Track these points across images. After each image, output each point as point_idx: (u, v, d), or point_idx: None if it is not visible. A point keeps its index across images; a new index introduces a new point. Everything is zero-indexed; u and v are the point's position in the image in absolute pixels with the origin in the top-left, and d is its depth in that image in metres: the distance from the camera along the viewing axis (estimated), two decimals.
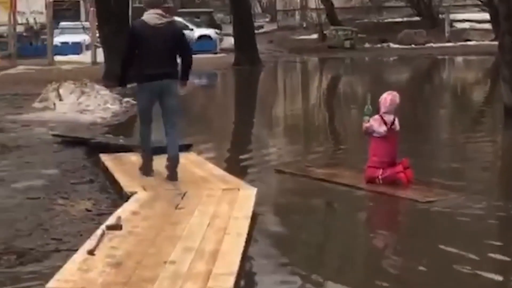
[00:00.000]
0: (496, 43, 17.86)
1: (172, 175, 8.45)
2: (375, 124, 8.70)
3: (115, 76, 9.45)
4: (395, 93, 8.82)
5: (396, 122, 8.77)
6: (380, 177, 8.55)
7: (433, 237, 6.82)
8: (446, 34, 41.47)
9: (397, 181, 8.48)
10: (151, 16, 8.48)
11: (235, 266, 5.48)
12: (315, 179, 9.06)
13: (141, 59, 8.46)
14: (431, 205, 7.77)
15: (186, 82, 8.87)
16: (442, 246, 6.45)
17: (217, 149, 11.96)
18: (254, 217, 7.07)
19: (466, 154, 11.12)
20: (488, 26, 40.46)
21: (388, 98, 8.71)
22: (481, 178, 9.51)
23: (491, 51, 32.98)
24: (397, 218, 8.14)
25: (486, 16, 41.01)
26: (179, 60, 8.73)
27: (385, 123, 8.66)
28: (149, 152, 8.81)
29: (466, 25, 42.29)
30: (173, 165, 8.47)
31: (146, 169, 8.75)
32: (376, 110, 8.78)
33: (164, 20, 8.49)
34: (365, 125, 8.76)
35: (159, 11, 8.49)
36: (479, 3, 42.08)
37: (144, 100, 8.67)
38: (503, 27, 13.85)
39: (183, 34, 8.93)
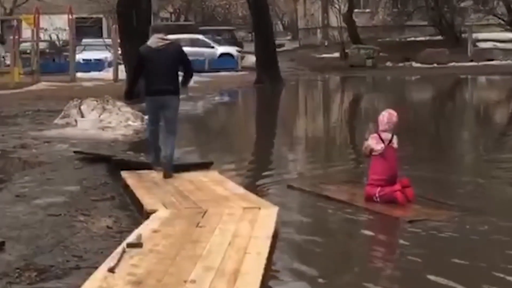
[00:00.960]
0: None
1: (166, 173, 9.61)
2: (373, 142, 8.73)
3: (135, 93, 10.98)
4: (392, 111, 8.87)
5: (394, 140, 8.75)
6: (377, 195, 8.53)
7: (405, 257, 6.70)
8: (469, 54, 41.35)
9: (394, 199, 8.43)
10: (154, 41, 9.79)
11: (255, 286, 5.43)
12: (319, 195, 9.14)
13: (147, 77, 9.84)
14: (418, 225, 7.61)
15: (187, 86, 10.44)
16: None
17: (238, 166, 11.91)
18: (276, 236, 7.02)
19: (483, 174, 10.83)
20: (511, 45, 40.32)
21: (385, 116, 8.77)
22: (491, 201, 9.16)
23: None
24: (377, 237, 7.79)
25: (509, 35, 40.91)
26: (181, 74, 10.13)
27: (382, 141, 8.66)
28: (157, 153, 10.03)
29: (489, 44, 42.09)
30: (167, 163, 9.70)
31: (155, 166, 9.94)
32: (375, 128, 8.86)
33: (165, 42, 9.81)
34: (364, 144, 8.83)
35: (161, 35, 9.87)
36: (502, 22, 41.98)
37: (150, 111, 10.23)
38: None
39: (183, 51, 10.20)
